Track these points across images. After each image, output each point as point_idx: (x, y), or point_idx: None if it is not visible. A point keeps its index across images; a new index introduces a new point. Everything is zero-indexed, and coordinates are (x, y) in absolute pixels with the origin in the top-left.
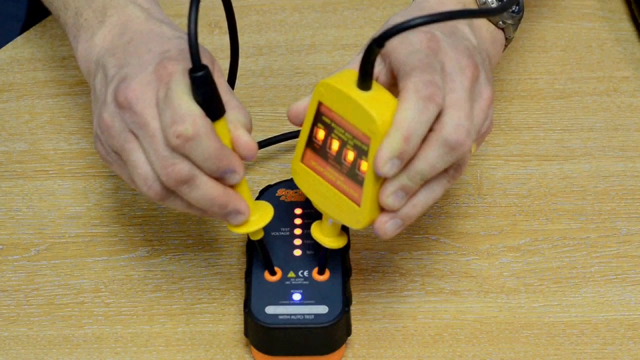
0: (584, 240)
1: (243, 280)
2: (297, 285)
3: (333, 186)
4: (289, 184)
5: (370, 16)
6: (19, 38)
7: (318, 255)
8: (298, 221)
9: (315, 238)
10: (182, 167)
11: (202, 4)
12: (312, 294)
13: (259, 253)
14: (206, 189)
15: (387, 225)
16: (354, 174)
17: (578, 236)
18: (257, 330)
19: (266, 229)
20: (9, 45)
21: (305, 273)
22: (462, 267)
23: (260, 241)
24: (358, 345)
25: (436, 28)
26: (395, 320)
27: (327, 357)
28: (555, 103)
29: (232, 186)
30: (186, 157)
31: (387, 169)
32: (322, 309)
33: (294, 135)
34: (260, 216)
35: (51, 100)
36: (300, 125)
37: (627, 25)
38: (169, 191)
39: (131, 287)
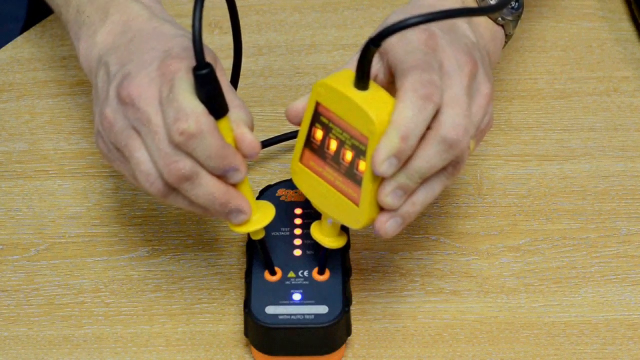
0: (584, 240)
1: (243, 280)
2: (297, 285)
3: (332, 186)
4: (289, 184)
5: (370, 16)
6: (19, 38)
7: (318, 255)
8: (298, 221)
9: (315, 238)
10: (185, 165)
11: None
12: (312, 294)
13: (260, 253)
14: (208, 187)
15: (387, 225)
16: (352, 174)
17: (578, 236)
18: (257, 330)
19: (266, 228)
20: (9, 45)
21: (305, 273)
22: (462, 267)
23: (261, 241)
24: (358, 345)
25: (435, 25)
26: (395, 320)
27: (327, 357)
28: (555, 103)
29: (234, 185)
30: (189, 154)
31: (384, 168)
32: (322, 309)
33: (294, 135)
34: (262, 215)
35: (51, 100)
36: (299, 124)
37: (627, 25)
38: (171, 188)
39: (131, 287)
